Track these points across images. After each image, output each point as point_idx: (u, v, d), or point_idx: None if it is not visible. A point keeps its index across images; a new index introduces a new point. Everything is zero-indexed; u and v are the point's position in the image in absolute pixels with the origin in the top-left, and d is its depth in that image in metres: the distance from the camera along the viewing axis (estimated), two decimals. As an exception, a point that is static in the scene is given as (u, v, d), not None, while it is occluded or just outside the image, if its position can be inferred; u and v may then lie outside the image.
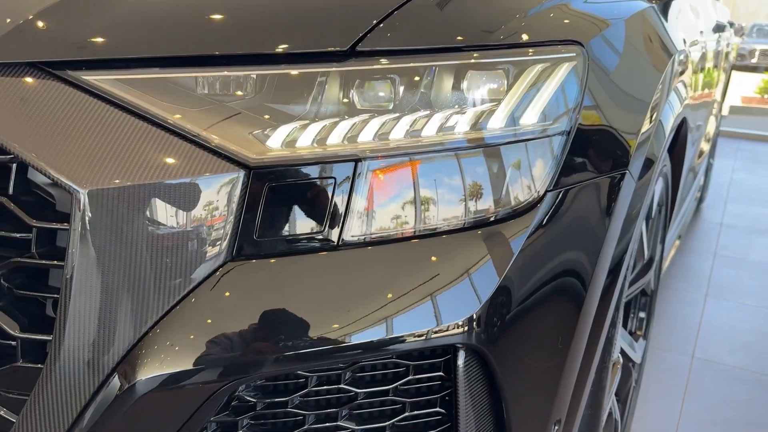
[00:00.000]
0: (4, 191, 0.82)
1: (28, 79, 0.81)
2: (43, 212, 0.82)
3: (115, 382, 0.79)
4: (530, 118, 0.93)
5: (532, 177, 0.93)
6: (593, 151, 1.01)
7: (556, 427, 1.03)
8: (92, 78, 0.81)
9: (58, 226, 0.79)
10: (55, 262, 0.80)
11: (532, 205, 0.93)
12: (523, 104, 0.93)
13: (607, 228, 1.04)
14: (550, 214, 0.94)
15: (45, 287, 0.84)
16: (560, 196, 0.95)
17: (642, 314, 1.83)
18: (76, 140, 0.78)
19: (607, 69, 1.06)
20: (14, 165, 0.82)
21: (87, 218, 0.76)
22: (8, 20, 0.83)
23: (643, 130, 1.14)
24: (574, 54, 0.98)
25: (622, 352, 1.63)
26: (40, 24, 0.84)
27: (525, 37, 0.98)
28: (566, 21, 1.09)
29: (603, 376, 1.20)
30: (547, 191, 0.94)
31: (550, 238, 0.95)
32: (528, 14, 1.03)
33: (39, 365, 0.82)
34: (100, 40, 0.84)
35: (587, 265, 1.01)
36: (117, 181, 0.77)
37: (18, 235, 0.82)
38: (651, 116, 1.19)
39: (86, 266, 0.77)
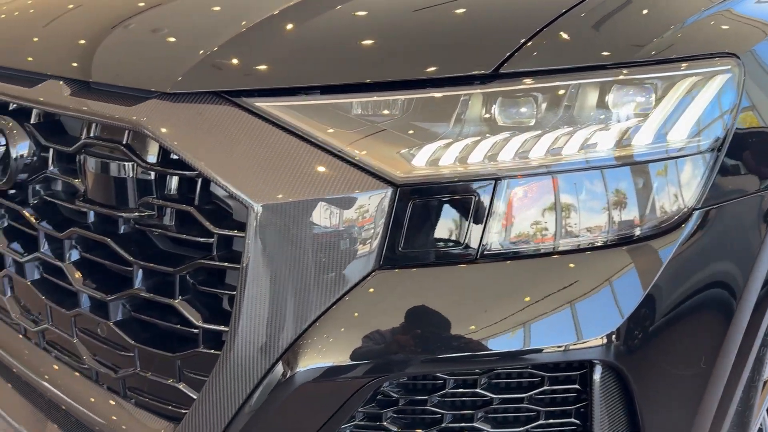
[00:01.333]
0: (191, 202, 0.96)
1: (210, 106, 0.94)
2: (223, 221, 0.95)
3: (280, 369, 0.90)
4: (679, 134, 0.92)
5: (680, 193, 0.92)
6: (747, 166, 0.98)
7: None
8: (263, 104, 0.92)
9: (235, 233, 0.91)
10: (233, 264, 0.92)
11: (679, 223, 0.92)
12: (672, 119, 0.92)
13: (763, 239, 1.00)
14: (697, 230, 0.93)
15: (223, 285, 0.97)
16: (710, 212, 0.93)
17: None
18: (250, 160, 0.90)
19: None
20: (199, 180, 0.96)
21: (259, 228, 0.87)
22: (200, 52, 0.96)
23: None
24: (729, 67, 0.95)
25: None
26: (221, 57, 0.96)
27: (678, 49, 0.96)
28: (726, 28, 1.05)
29: (751, 395, 1.15)
30: (695, 209, 0.92)
31: (697, 253, 0.94)
32: (685, 24, 1.01)
33: (216, 351, 0.96)
34: (269, 70, 0.95)
35: (739, 279, 0.98)
36: (284, 196, 0.87)
37: (201, 240, 0.96)
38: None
39: (258, 269, 0.88)
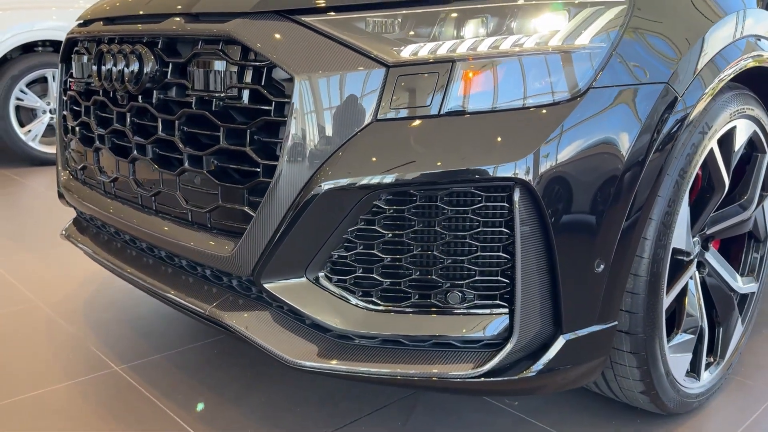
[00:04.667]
0: (260, 83, 1.48)
1: (274, 21, 1.47)
2: (277, 94, 1.46)
3: (311, 185, 1.39)
4: (582, 40, 1.38)
5: (576, 78, 1.37)
6: (633, 65, 1.42)
7: (602, 266, 1.42)
8: (308, 19, 1.45)
9: (286, 100, 1.43)
10: (284, 117, 1.43)
11: (576, 96, 1.37)
12: (576, 32, 1.38)
13: (642, 123, 1.42)
14: (590, 105, 1.37)
15: (276, 136, 1.48)
16: (600, 93, 1.38)
17: (755, 255, 2.05)
18: (300, 53, 1.41)
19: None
20: (265, 69, 1.48)
21: (300, 91, 1.38)
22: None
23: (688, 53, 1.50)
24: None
25: (717, 274, 1.90)
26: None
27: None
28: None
29: (659, 266, 1.55)
30: (589, 88, 1.37)
31: (588, 117, 1.37)
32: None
33: (268, 180, 1.45)
34: (313, -1, 1.48)
35: (625, 143, 1.40)
36: (318, 72, 1.38)
37: (264, 108, 1.47)
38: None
39: (296, 118, 1.39)
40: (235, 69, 1.51)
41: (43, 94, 5.49)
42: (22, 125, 5.38)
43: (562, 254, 1.38)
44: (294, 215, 1.42)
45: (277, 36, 1.45)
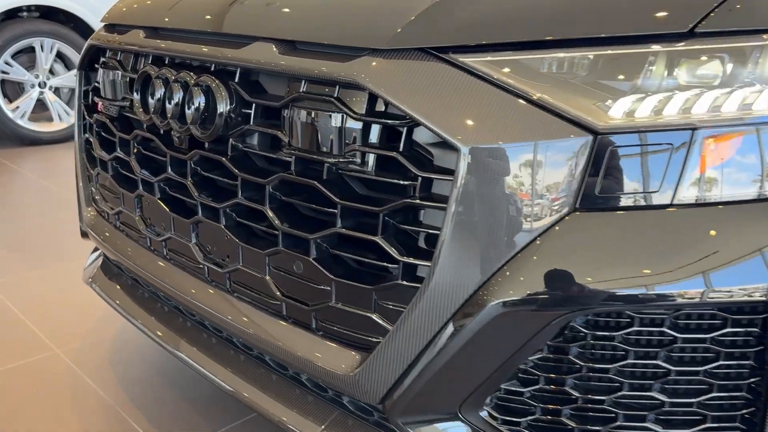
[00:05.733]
0: (396, 148, 1.06)
1: (420, 61, 1.04)
2: (424, 165, 1.04)
3: (476, 301, 0.99)
4: None
5: None
6: None
7: None
8: (469, 60, 1.02)
9: (440, 177, 1.01)
10: (435, 203, 1.02)
11: None
12: None
13: None
14: None
15: (418, 223, 1.07)
16: None
17: None
18: (459, 109, 0.99)
19: None
20: (404, 129, 1.06)
21: (467, 170, 0.96)
22: (411, 11, 1.06)
23: None
24: None
25: None
26: (428, 15, 1.06)
27: None
28: None
29: None
30: None
31: None
32: None
33: (415, 284, 1.05)
34: (471, 28, 1.05)
35: None
36: (492, 141, 0.96)
37: (402, 182, 1.06)
38: None
39: (463, 209, 0.97)
40: (358, 125, 1.09)
41: (30, 66, 4.93)
42: (10, 101, 4.85)
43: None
44: (451, 335, 1.02)
45: (429, 85, 1.02)
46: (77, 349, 2.21)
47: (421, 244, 1.08)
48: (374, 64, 1.05)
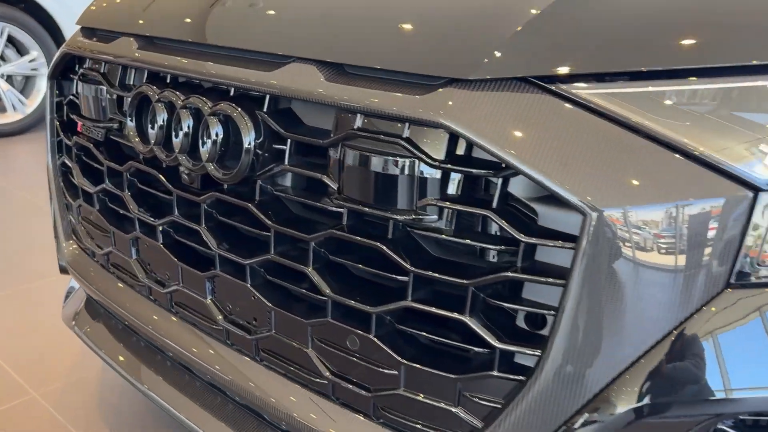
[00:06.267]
0: (484, 205, 0.84)
1: (517, 94, 0.81)
2: (525, 227, 0.82)
3: (601, 404, 0.79)
4: None
5: None
6: None
7: None
8: (584, 92, 0.79)
9: (556, 244, 0.79)
10: (542, 277, 0.80)
11: None
12: None
13: None
14: None
15: (519, 300, 0.85)
16: None
17: None
18: (576, 157, 0.77)
19: None
20: (499, 180, 0.83)
21: (595, 238, 0.75)
22: (504, 33, 0.83)
23: None
24: None
25: None
26: (528, 38, 0.83)
27: None
28: None
29: None
30: None
31: None
32: None
33: (511, 376, 0.84)
34: (586, 52, 0.82)
35: None
36: (627, 202, 0.74)
37: (497, 248, 0.83)
38: None
39: (589, 287, 0.76)
40: (436, 174, 0.86)
41: (-10, 53, 4.50)
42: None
43: None
44: (567, 442, 0.81)
45: (536, 126, 0.79)
46: (58, 390, 1.95)
47: (520, 323, 0.87)
48: (459, 97, 0.82)
